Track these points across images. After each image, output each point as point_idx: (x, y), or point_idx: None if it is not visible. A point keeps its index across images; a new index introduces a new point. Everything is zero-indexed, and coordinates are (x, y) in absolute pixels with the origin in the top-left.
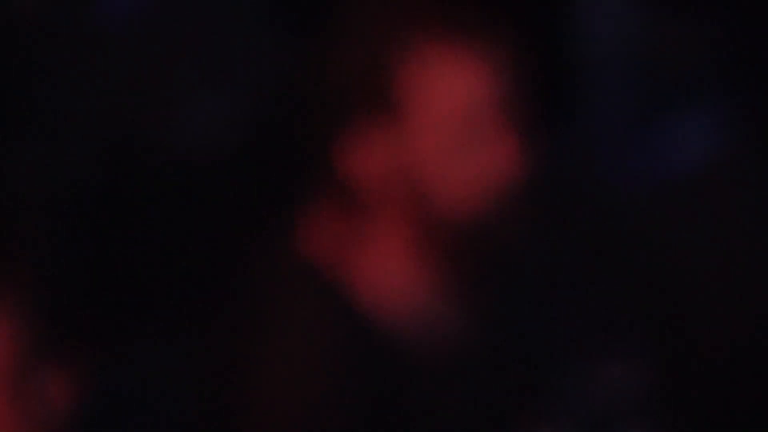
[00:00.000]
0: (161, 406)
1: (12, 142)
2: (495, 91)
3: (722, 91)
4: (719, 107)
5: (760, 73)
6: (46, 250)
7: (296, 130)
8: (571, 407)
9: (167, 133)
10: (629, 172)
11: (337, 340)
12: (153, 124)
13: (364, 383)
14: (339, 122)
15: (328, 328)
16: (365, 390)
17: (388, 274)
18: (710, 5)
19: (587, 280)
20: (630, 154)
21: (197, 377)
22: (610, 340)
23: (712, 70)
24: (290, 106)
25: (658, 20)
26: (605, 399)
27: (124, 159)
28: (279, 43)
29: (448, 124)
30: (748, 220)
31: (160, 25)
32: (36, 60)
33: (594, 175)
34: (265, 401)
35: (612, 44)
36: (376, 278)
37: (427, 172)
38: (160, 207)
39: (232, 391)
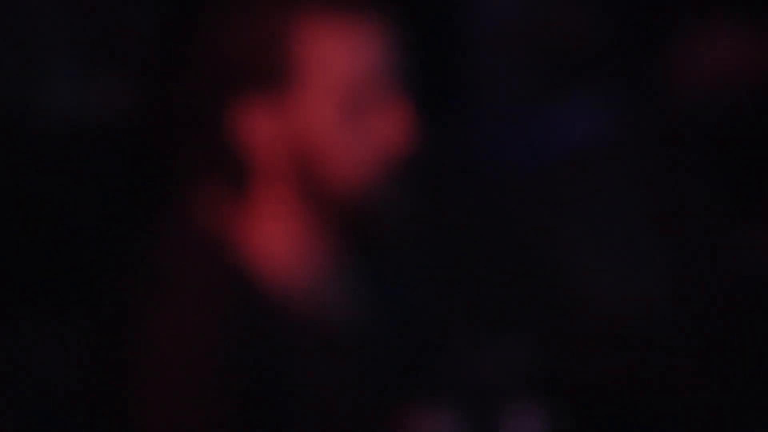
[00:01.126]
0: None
1: None
2: (384, 65)
3: (607, 72)
4: (604, 88)
5: (644, 55)
6: None
7: (187, 103)
8: (458, 385)
9: (54, 105)
10: (515, 150)
11: (229, 311)
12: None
13: (254, 353)
14: (228, 94)
15: (219, 299)
16: (256, 359)
17: (279, 245)
18: None
19: (473, 258)
20: (516, 133)
21: (87, 350)
22: (497, 318)
23: (597, 51)
24: (180, 79)
25: (545, 2)
26: (492, 377)
27: (8, 130)
28: (168, 16)
29: (337, 96)
30: (630, 199)
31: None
32: None
33: (480, 153)
34: (155, 373)
35: (500, 25)
36: (266, 250)
37: (316, 142)
38: (47, 180)
39: (122, 364)
